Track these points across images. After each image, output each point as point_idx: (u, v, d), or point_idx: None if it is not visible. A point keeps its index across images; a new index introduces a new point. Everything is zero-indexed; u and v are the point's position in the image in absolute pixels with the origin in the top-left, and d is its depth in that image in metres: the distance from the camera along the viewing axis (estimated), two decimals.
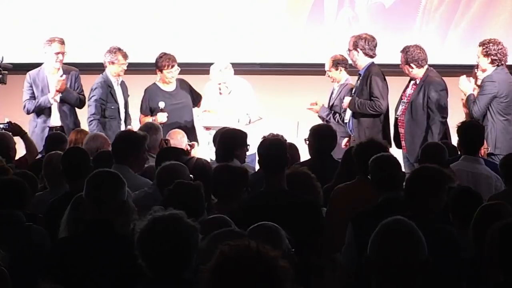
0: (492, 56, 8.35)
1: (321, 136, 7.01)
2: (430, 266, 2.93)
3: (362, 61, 8.68)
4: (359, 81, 8.74)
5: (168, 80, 9.31)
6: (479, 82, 8.48)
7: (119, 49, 9.33)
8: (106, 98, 9.22)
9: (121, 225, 4.28)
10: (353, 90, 8.84)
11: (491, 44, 8.38)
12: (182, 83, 9.45)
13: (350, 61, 9.04)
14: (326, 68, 9.34)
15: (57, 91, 9.19)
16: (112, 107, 9.28)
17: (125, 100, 9.43)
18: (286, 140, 6.60)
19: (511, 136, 8.29)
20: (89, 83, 9.51)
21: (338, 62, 9.20)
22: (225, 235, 3.46)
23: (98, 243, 4.02)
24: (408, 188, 4.70)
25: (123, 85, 9.45)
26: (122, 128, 9.18)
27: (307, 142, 7.12)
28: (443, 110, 8.44)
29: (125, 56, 9.33)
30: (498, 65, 8.39)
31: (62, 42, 9.36)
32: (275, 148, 5.23)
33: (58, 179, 5.98)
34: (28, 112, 9.29)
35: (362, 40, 8.67)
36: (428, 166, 4.81)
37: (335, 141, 7.21)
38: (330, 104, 9.28)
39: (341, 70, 9.23)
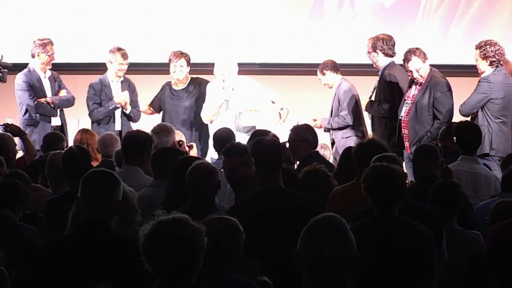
0: (490, 58, 8.36)
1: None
2: (358, 263, 2.91)
3: (382, 61, 8.87)
4: (377, 83, 8.95)
5: (172, 75, 9.34)
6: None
7: (119, 49, 9.35)
8: (100, 97, 9.33)
9: (124, 224, 4.28)
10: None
11: (488, 46, 8.38)
12: (194, 84, 9.44)
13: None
14: (318, 77, 9.47)
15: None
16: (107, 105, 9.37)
17: (131, 100, 9.44)
18: (278, 139, 6.68)
19: (506, 138, 8.31)
20: (87, 84, 9.54)
21: (322, 68, 9.34)
22: None
23: (92, 243, 3.98)
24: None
25: (124, 84, 9.46)
26: (117, 126, 9.28)
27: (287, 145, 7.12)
28: (448, 110, 8.46)
29: (124, 55, 9.34)
30: (496, 66, 8.40)
31: (52, 43, 9.42)
32: (273, 148, 5.20)
33: (60, 179, 5.96)
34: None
35: (380, 40, 8.83)
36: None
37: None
38: (331, 110, 9.35)
39: (324, 74, 9.36)
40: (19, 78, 9.27)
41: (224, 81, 9.03)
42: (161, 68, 10.42)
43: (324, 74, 9.42)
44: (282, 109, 9.22)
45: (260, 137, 5.61)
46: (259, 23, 11.31)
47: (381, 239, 4.41)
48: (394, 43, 8.85)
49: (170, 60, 9.37)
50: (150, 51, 11.13)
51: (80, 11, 11.40)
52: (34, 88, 9.24)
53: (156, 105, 9.56)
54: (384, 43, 8.79)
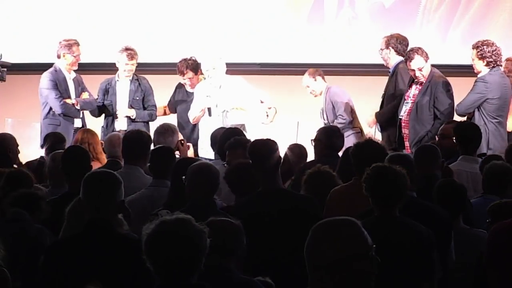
0: (487, 58, 8.36)
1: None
2: (376, 261, 2.90)
3: (393, 59, 8.95)
4: (388, 80, 8.99)
5: (186, 87, 9.58)
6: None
7: (126, 49, 9.41)
8: (102, 95, 9.49)
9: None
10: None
11: (485, 46, 8.39)
12: None
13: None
14: (304, 84, 9.62)
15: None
16: (107, 103, 9.45)
17: (139, 98, 9.48)
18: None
19: (503, 138, 8.33)
20: (90, 84, 9.54)
21: (314, 74, 9.57)
22: None
23: (97, 242, 4.01)
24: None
25: (134, 83, 9.47)
26: (117, 124, 9.37)
27: (313, 142, 7.22)
28: (447, 109, 8.47)
29: (129, 56, 9.39)
30: (493, 66, 8.40)
31: (78, 43, 9.44)
32: (269, 148, 5.20)
33: (60, 178, 5.96)
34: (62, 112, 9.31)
35: (394, 38, 8.98)
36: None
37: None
38: (325, 117, 9.40)
39: (316, 80, 9.56)
40: (46, 77, 9.28)
41: (209, 76, 9.03)
42: (160, 68, 10.45)
43: (315, 80, 9.64)
44: (270, 108, 9.23)
45: (257, 139, 5.64)
46: (259, 23, 11.32)
47: (381, 239, 4.40)
48: (408, 44, 8.94)
49: (179, 73, 9.52)
50: (150, 51, 11.14)
51: (81, 11, 11.42)
52: (59, 88, 9.26)
53: (172, 107, 9.83)
54: (397, 41, 8.94)
